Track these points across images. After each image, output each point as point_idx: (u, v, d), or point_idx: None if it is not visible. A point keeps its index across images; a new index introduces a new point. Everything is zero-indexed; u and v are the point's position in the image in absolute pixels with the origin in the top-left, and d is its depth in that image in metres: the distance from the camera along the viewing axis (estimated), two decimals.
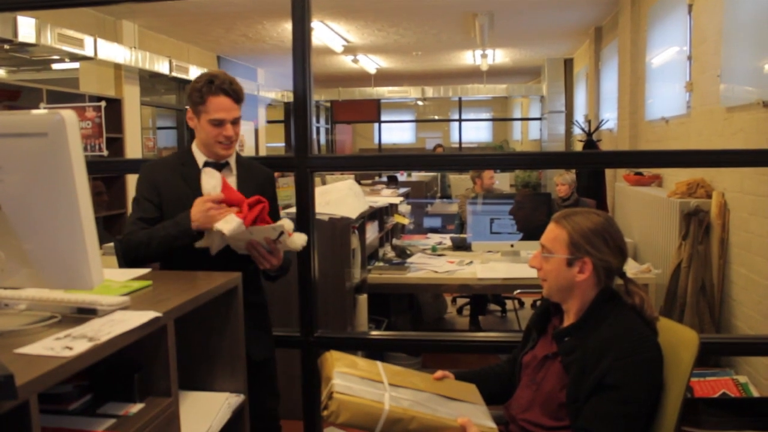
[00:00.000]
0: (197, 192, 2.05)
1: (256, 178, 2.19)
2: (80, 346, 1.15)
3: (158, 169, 2.13)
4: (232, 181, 2.13)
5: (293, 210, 2.55)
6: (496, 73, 12.88)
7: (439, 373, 1.79)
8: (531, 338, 1.80)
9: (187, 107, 2.10)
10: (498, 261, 4.05)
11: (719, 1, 3.96)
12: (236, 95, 2.06)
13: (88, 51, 6.06)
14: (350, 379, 1.57)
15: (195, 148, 2.14)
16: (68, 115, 1.21)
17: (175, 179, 2.09)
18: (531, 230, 4.04)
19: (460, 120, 14.95)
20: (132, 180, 7.44)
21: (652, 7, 5.72)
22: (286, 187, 3.39)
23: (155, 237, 1.97)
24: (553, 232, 1.69)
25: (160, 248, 1.98)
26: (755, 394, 2.87)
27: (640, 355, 1.52)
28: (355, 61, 10.79)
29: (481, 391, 1.79)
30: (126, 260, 2.01)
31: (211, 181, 2.03)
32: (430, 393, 1.65)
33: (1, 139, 1.26)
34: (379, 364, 1.73)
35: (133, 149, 7.33)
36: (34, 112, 1.28)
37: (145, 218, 2.05)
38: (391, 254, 4.38)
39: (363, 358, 1.77)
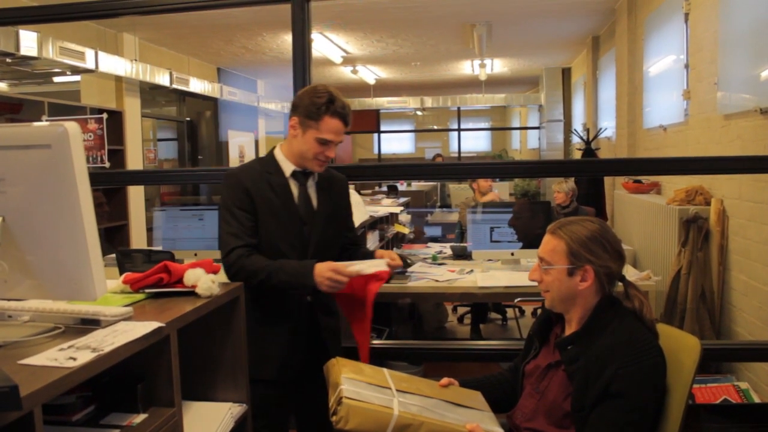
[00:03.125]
0: (286, 202, 2.07)
1: (332, 186, 2.20)
2: (84, 357, 1.15)
3: (246, 177, 2.06)
4: (312, 191, 2.14)
5: None
6: (494, 83, 12.92)
7: (445, 380, 1.80)
8: (533, 347, 1.80)
9: (294, 114, 2.06)
10: (498, 269, 4.05)
11: (715, 10, 3.99)
12: (348, 121, 2.06)
13: (90, 64, 6.09)
14: (358, 385, 1.57)
15: (281, 156, 2.11)
16: (71, 127, 1.22)
17: (264, 187, 2.05)
18: (531, 239, 4.03)
19: (459, 129, 14.99)
20: (133, 191, 7.43)
21: (648, 16, 5.75)
22: None
23: (275, 277, 1.95)
24: (550, 243, 1.68)
25: (276, 287, 1.99)
26: (756, 400, 2.87)
27: (645, 362, 1.52)
28: (354, 71, 10.84)
29: (484, 398, 1.79)
30: (231, 279, 1.98)
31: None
32: (437, 399, 1.65)
33: (4, 150, 1.27)
34: (385, 371, 1.73)
35: (134, 161, 7.36)
36: (38, 124, 1.29)
37: (245, 231, 2.01)
38: None
39: (369, 365, 1.77)
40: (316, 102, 2.01)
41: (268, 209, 2.04)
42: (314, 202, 2.13)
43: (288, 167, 2.09)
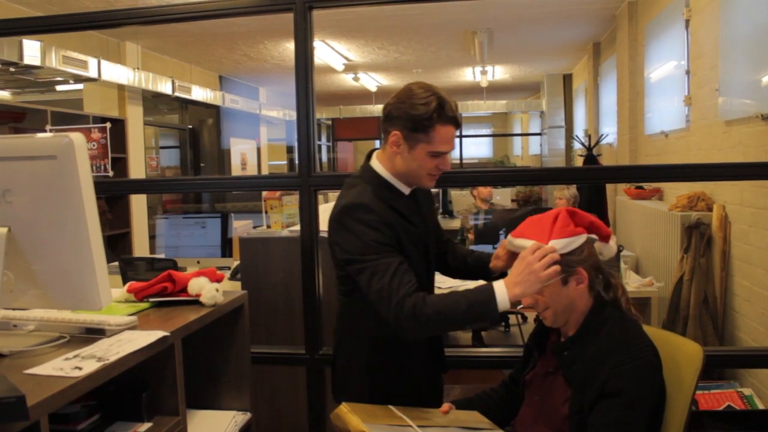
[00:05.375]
0: (419, 224, 1.81)
1: (427, 194, 1.96)
2: (89, 366, 1.16)
3: (380, 208, 1.70)
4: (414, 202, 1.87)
5: (297, 228, 2.56)
6: (495, 89, 12.94)
7: (445, 406, 1.78)
8: (532, 358, 1.81)
9: (394, 128, 1.71)
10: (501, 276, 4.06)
11: (716, 16, 4.00)
12: (460, 123, 1.74)
13: (92, 72, 6.12)
14: (384, 429, 1.54)
15: (389, 176, 1.78)
16: (77, 137, 1.23)
17: (398, 218, 1.73)
18: None
19: (460, 136, 14.98)
20: (135, 199, 7.42)
21: (649, 22, 5.77)
22: (290, 206, 3.40)
23: (451, 311, 1.58)
24: None
25: (454, 323, 1.76)
26: (760, 406, 2.86)
27: (639, 361, 1.52)
28: (356, 79, 10.86)
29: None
30: (408, 332, 1.62)
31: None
32: (453, 427, 1.65)
33: (10, 161, 1.28)
34: (391, 407, 1.71)
35: (137, 169, 7.38)
36: (43, 135, 1.30)
37: (405, 269, 1.64)
38: None
39: (373, 405, 1.71)
40: (423, 110, 1.66)
41: (408, 239, 1.74)
42: (424, 209, 1.90)
43: (404, 188, 1.79)
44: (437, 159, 1.71)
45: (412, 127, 1.67)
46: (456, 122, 1.70)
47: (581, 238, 1.63)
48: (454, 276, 2.14)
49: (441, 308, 1.57)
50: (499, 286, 1.56)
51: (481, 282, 1.67)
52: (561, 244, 1.59)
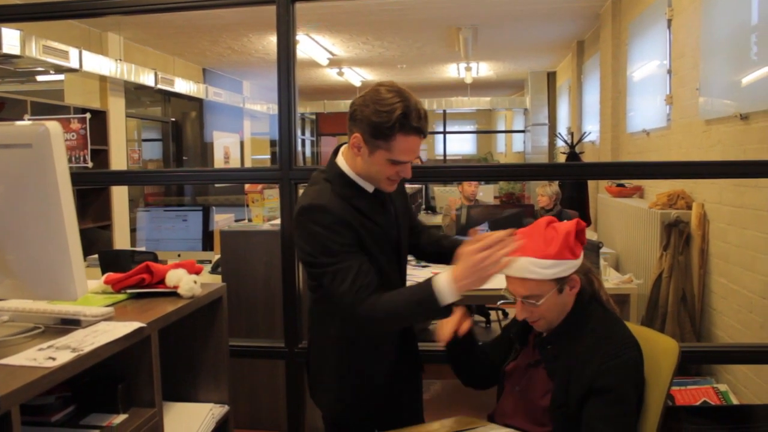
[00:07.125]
0: (384, 222, 1.77)
1: (399, 190, 1.88)
2: (63, 357, 1.15)
3: (339, 208, 1.65)
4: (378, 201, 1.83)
5: (278, 221, 2.55)
6: (480, 86, 12.97)
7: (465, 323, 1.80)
8: (513, 349, 1.82)
9: (356, 129, 1.65)
10: None
11: (697, 17, 4.04)
12: (426, 132, 1.67)
13: (73, 63, 6.03)
14: None
15: (353, 175, 1.73)
16: (53, 126, 1.22)
17: (359, 217, 1.69)
18: None
19: (444, 132, 15.01)
20: (116, 192, 7.33)
21: (632, 21, 5.81)
22: (271, 199, 3.39)
23: (399, 313, 1.61)
24: (528, 281, 1.63)
25: (406, 322, 1.77)
26: (735, 401, 2.90)
27: (624, 356, 1.55)
28: (340, 73, 10.84)
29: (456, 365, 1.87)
30: (369, 331, 1.73)
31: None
32: None
33: None
34: None
35: (118, 161, 7.31)
36: (19, 123, 1.29)
37: (366, 269, 1.62)
38: None
39: None
40: (385, 118, 1.59)
41: (371, 239, 1.70)
42: (395, 207, 1.85)
43: (367, 186, 1.75)
44: (397, 166, 1.68)
45: (372, 132, 1.62)
46: (421, 132, 1.64)
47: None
48: (430, 260, 2.13)
49: (390, 309, 1.59)
50: (442, 280, 1.54)
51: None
52: (571, 264, 1.62)
